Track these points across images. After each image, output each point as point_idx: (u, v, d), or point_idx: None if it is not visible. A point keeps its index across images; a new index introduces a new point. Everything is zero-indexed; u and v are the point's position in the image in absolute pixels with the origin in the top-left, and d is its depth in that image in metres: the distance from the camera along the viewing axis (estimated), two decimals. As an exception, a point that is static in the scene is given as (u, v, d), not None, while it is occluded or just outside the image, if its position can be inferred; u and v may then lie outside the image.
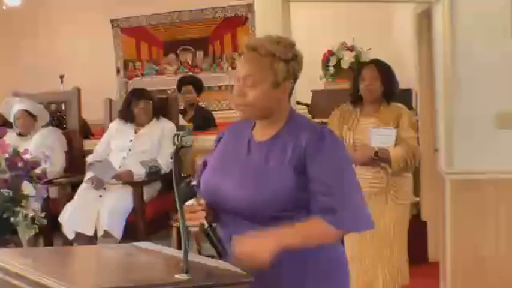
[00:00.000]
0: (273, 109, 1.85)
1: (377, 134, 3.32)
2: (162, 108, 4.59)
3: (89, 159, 4.43)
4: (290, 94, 1.90)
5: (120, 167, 4.26)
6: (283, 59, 1.81)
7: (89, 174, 4.31)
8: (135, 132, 4.44)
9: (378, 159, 3.29)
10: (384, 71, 3.42)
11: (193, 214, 1.78)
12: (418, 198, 4.83)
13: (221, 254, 1.75)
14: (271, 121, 1.87)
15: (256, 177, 1.80)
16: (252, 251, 1.67)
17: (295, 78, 1.87)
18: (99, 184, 4.20)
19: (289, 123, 1.87)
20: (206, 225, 1.79)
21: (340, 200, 1.77)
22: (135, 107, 4.43)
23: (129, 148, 4.38)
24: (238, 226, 1.80)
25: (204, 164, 1.98)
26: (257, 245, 1.69)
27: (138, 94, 4.55)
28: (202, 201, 1.82)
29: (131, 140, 4.41)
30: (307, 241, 1.78)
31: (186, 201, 1.78)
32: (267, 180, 1.79)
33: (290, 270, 1.80)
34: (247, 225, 1.78)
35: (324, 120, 3.84)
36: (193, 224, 1.78)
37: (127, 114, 4.47)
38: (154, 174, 4.26)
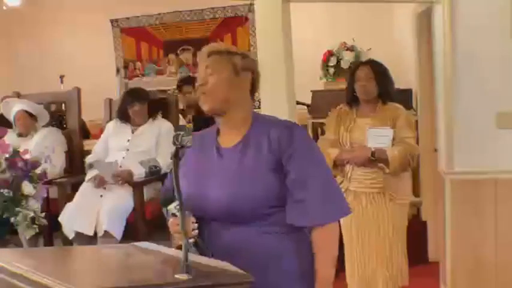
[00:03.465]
0: (232, 102, 1.90)
1: (374, 134, 3.32)
2: (158, 108, 4.58)
3: (88, 159, 4.43)
4: (252, 94, 1.97)
5: (120, 166, 4.26)
6: (239, 53, 1.94)
7: (89, 174, 4.30)
8: (132, 132, 4.44)
9: (375, 159, 3.29)
10: (379, 71, 3.42)
11: (188, 227, 1.81)
12: (418, 198, 4.83)
13: None
14: (237, 126, 1.92)
15: (237, 176, 1.84)
16: None
17: (253, 74, 1.95)
18: (101, 182, 4.20)
19: (255, 124, 1.93)
20: (199, 237, 1.85)
21: (314, 195, 1.82)
22: (129, 108, 4.42)
23: (126, 148, 4.37)
24: (220, 232, 1.86)
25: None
26: None
27: (133, 95, 4.52)
28: (192, 217, 1.85)
29: (128, 140, 4.40)
30: (333, 259, 1.90)
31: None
32: (247, 178, 1.83)
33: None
34: (231, 229, 1.84)
35: (324, 121, 3.85)
36: (192, 236, 1.83)
37: (123, 114, 4.47)
38: (154, 174, 4.26)
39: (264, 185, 1.81)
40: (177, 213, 1.79)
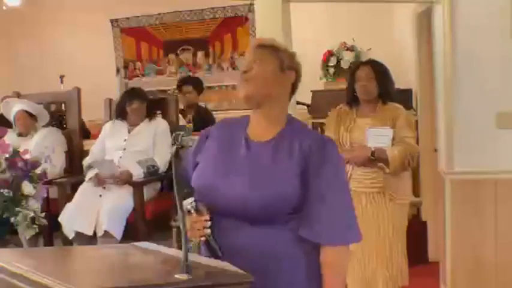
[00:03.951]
0: (272, 97, 1.87)
1: (374, 134, 3.32)
2: (155, 108, 4.58)
3: (86, 161, 4.43)
4: (292, 93, 1.94)
5: (119, 167, 4.26)
6: (287, 52, 1.93)
7: (89, 174, 4.30)
8: (129, 132, 4.44)
9: (375, 159, 3.29)
10: (379, 71, 3.42)
11: (197, 226, 1.79)
12: (418, 198, 4.83)
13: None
14: (271, 122, 1.89)
15: (267, 176, 1.79)
16: None
17: (297, 74, 1.93)
18: (101, 182, 4.20)
19: (289, 126, 1.89)
20: (210, 235, 1.80)
21: (330, 213, 1.79)
22: (128, 106, 4.43)
23: (123, 147, 4.37)
24: (232, 230, 1.81)
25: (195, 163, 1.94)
26: None
27: (133, 94, 4.54)
28: (206, 216, 1.80)
29: (125, 140, 4.40)
30: (343, 276, 1.89)
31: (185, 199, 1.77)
32: (278, 180, 1.79)
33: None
34: (244, 228, 1.79)
35: (324, 121, 3.85)
36: (201, 235, 1.80)
37: (121, 113, 4.48)
38: (152, 173, 4.26)
39: (290, 186, 1.78)
40: (192, 211, 1.77)
